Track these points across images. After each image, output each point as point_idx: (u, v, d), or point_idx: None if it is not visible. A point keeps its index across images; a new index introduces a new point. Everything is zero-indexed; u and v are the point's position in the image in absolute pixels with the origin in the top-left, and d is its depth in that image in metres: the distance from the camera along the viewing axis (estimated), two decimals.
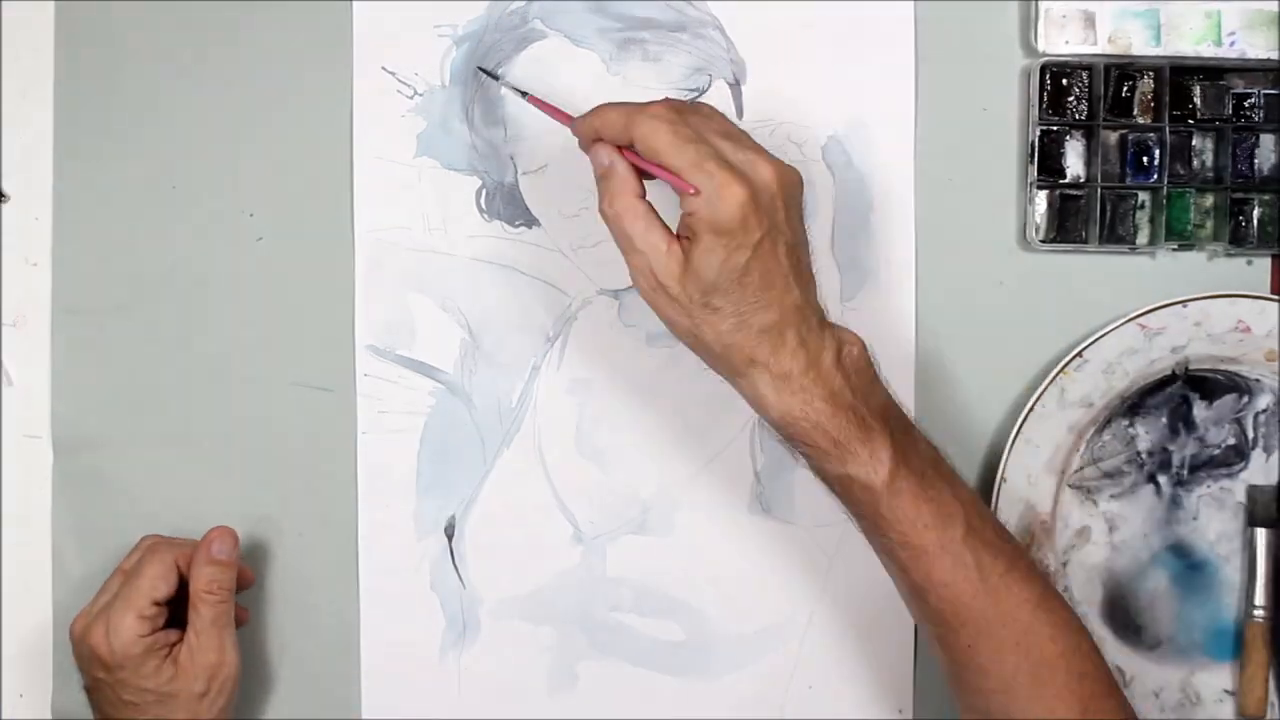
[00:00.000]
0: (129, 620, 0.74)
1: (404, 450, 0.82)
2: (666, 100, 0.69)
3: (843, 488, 0.70)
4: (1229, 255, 0.82)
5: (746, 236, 0.66)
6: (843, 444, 0.68)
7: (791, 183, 0.69)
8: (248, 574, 0.80)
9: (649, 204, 0.69)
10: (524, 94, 0.77)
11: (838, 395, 0.69)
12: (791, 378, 0.68)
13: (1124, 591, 0.83)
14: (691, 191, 0.66)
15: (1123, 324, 0.79)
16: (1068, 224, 0.82)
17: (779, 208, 0.68)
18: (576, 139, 0.72)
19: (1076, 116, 0.81)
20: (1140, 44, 0.81)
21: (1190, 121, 0.81)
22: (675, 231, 0.68)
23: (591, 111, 0.71)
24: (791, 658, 0.83)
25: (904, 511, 0.69)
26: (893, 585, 0.76)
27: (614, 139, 0.69)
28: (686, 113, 0.69)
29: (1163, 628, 0.83)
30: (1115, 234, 0.81)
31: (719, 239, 0.66)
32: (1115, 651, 0.82)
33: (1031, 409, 0.79)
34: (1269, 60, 0.81)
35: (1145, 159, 0.81)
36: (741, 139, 0.69)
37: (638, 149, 0.68)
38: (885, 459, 0.68)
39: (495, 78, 0.79)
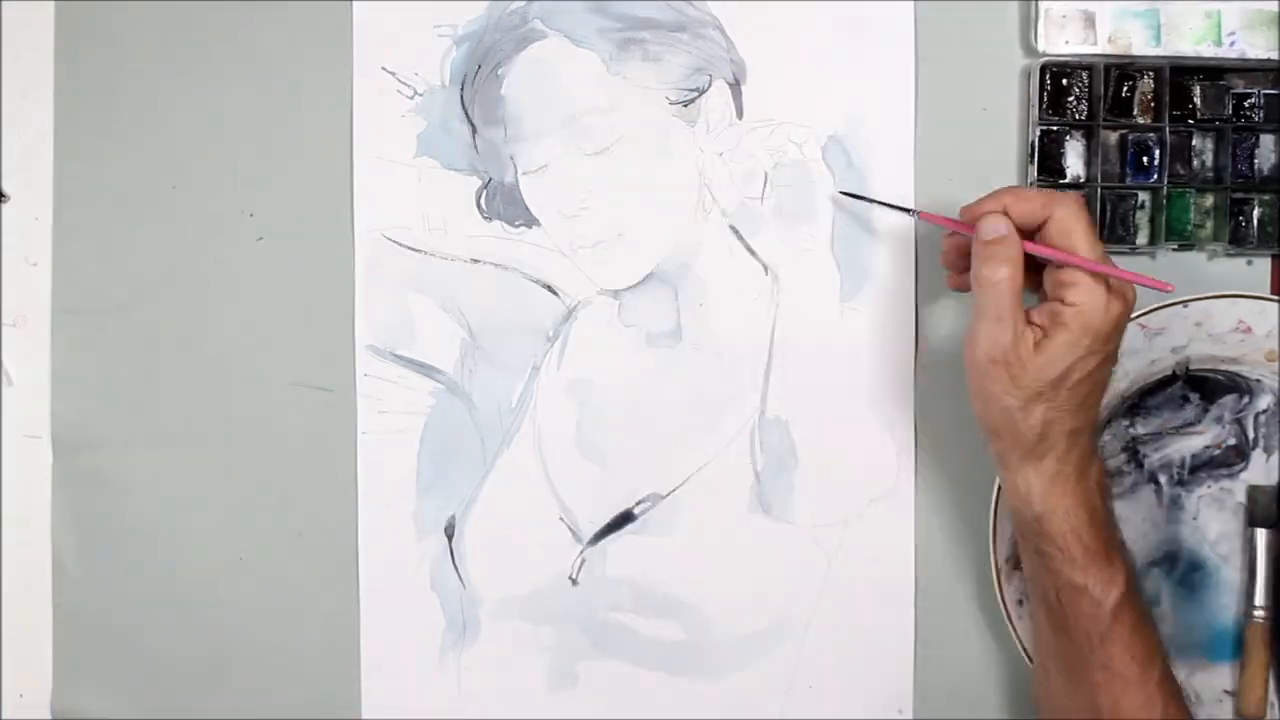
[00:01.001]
0: None
1: (404, 450, 0.82)
2: (1079, 195, 0.76)
3: (1070, 598, 0.72)
4: (1229, 255, 0.82)
5: (1106, 346, 0.70)
6: (1091, 554, 0.71)
7: (1131, 307, 0.72)
8: None
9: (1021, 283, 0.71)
10: (914, 212, 0.79)
11: (1096, 511, 0.72)
12: (1068, 480, 0.71)
13: None
14: (1170, 289, 0.71)
15: None
16: None
17: (1124, 329, 0.71)
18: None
19: (1076, 116, 0.81)
20: (1140, 44, 0.81)
21: (1190, 121, 0.81)
22: (1029, 318, 0.70)
23: (1000, 191, 0.73)
24: (791, 658, 0.83)
25: (1121, 637, 0.71)
26: (891, 586, 0.77)
27: (1023, 215, 0.71)
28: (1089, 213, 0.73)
29: (1163, 628, 0.83)
30: (1115, 234, 0.81)
31: (1085, 338, 0.69)
32: None
33: None
34: (1269, 60, 0.81)
35: (1145, 159, 0.81)
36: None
37: (1051, 228, 0.70)
38: (1120, 582, 0.71)
39: (897, 207, 0.80)
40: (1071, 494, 0.71)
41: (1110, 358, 0.71)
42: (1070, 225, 0.70)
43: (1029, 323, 0.70)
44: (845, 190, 0.80)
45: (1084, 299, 0.69)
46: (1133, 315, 0.78)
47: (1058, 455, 0.71)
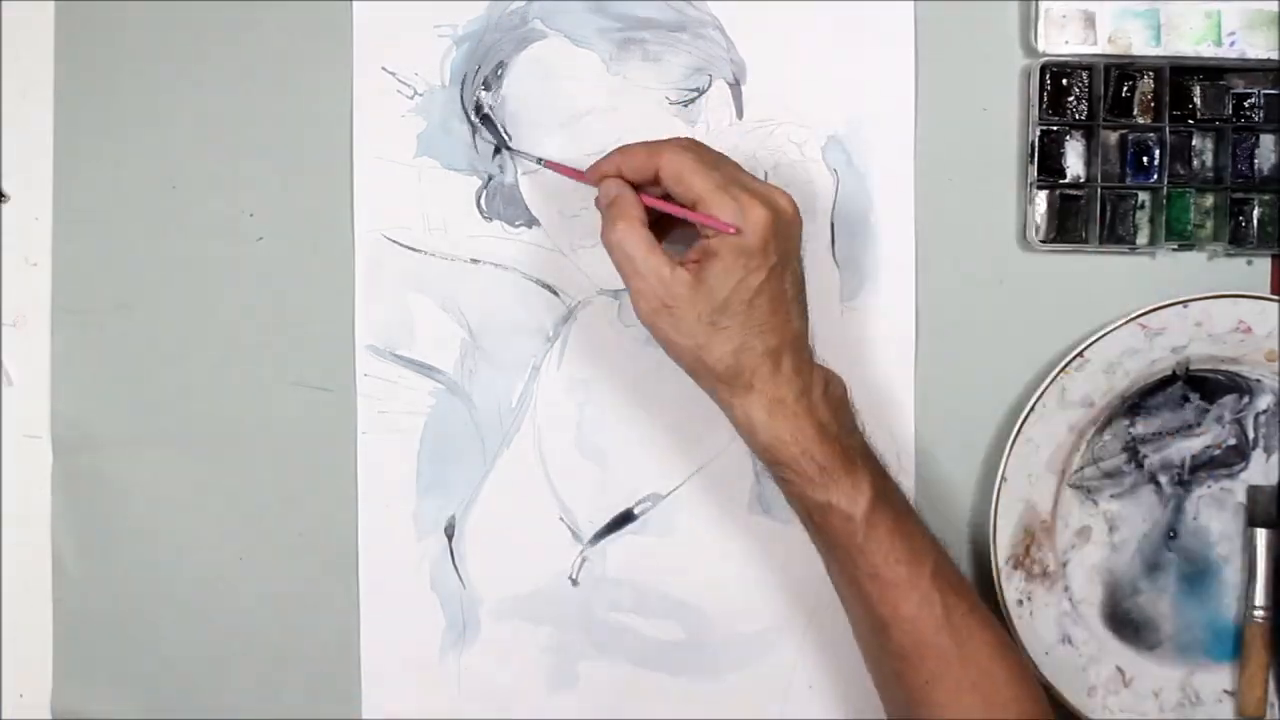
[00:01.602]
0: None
1: (404, 450, 0.82)
2: (687, 137, 0.74)
3: (821, 516, 0.72)
4: (1229, 255, 0.82)
5: (764, 259, 0.70)
6: (828, 471, 0.71)
7: (799, 218, 0.72)
8: None
9: (650, 232, 0.71)
10: (538, 160, 0.79)
11: (825, 426, 0.72)
12: (785, 403, 0.71)
13: (1124, 591, 0.83)
14: (732, 231, 0.69)
15: (1123, 324, 0.79)
16: (1068, 224, 0.82)
17: (792, 236, 0.72)
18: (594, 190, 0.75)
19: (1076, 116, 0.81)
20: (1140, 44, 0.81)
21: (1190, 121, 0.81)
22: (685, 257, 0.71)
23: (612, 152, 0.74)
24: (791, 658, 0.83)
25: (879, 544, 0.71)
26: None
27: (636, 172, 0.72)
28: (704, 148, 0.73)
29: (1163, 628, 0.83)
30: (1115, 234, 0.81)
31: (739, 259, 0.69)
32: (1115, 651, 0.82)
33: (1032, 408, 0.79)
34: (1269, 60, 0.81)
35: (1145, 159, 0.81)
36: (753, 176, 0.73)
37: (662, 176, 0.71)
38: (866, 490, 0.71)
39: (509, 150, 0.80)
40: (793, 416, 0.71)
41: (780, 267, 0.70)
42: (677, 168, 0.71)
43: (682, 262, 0.71)
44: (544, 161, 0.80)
45: (724, 219, 0.69)
46: (1132, 315, 0.79)
47: (764, 380, 0.71)
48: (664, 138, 0.73)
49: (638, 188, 0.73)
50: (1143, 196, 0.82)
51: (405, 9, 0.82)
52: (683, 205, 0.72)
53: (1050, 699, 0.80)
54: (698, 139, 0.74)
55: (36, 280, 0.83)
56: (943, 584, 0.72)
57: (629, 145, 0.74)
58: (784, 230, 0.71)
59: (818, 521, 0.72)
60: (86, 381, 0.83)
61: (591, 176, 0.75)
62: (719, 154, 0.73)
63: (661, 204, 0.72)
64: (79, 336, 0.83)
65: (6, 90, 0.82)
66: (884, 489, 0.72)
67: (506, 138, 0.82)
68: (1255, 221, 0.81)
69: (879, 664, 0.75)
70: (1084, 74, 0.81)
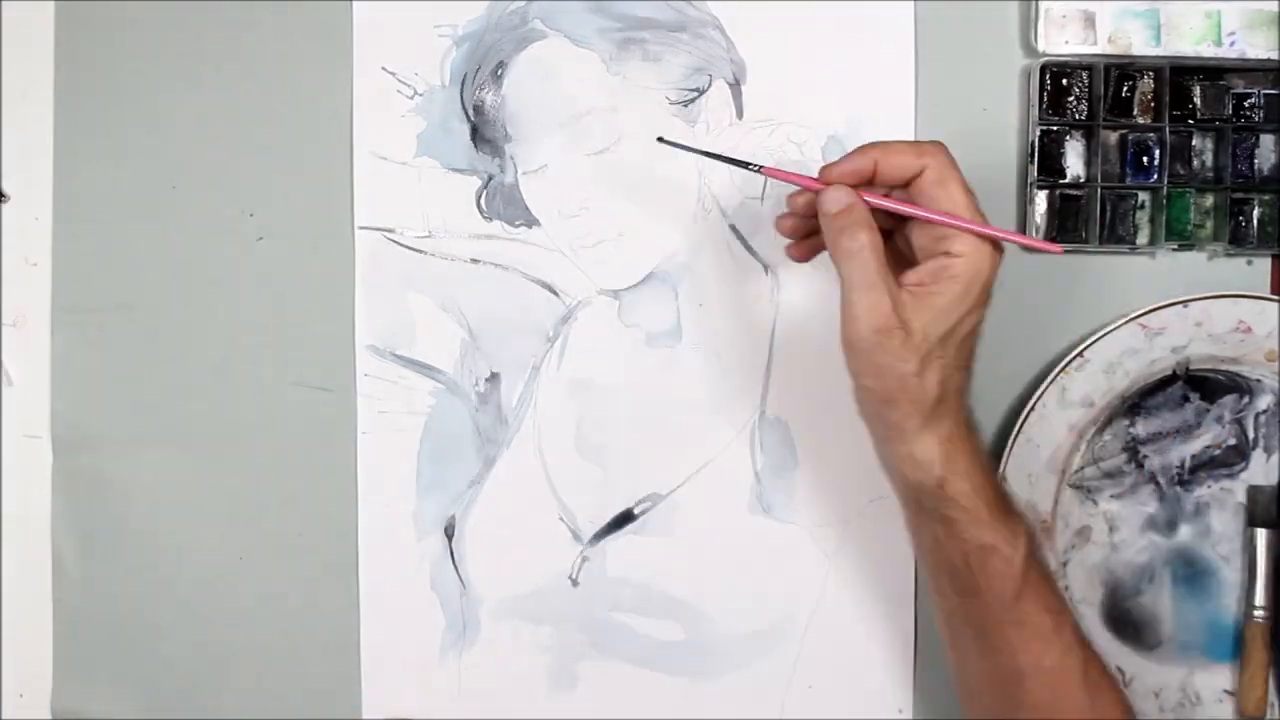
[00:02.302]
0: None
1: (404, 450, 0.82)
2: (941, 143, 0.69)
3: (980, 559, 0.69)
4: (1229, 255, 0.82)
5: (986, 297, 0.68)
6: (995, 512, 0.69)
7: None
8: None
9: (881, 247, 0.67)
10: (756, 168, 0.72)
11: (988, 468, 0.70)
12: (965, 440, 0.69)
13: (1124, 591, 0.83)
14: (1058, 251, 0.69)
15: (1123, 324, 0.79)
16: (1068, 224, 0.82)
17: (992, 283, 0.69)
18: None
19: (1076, 116, 0.81)
20: (1140, 44, 0.81)
21: (1190, 121, 0.81)
22: (905, 280, 0.67)
23: (855, 152, 0.69)
24: (791, 658, 0.83)
25: (1034, 591, 0.69)
26: (891, 586, 0.77)
27: (895, 169, 0.68)
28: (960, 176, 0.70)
29: (1163, 628, 0.83)
30: (1115, 234, 0.81)
31: (975, 288, 0.67)
32: (1115, 651, 0.82)
33: (1032, 408, 0.79)
34: (1269, 60, 0.81)
35: (1145, 159, 0.81)
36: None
37: (926, 180, 0.67)
38: (1024, 538, 0.69)
39: (745, 166, 0.72)
40: (968, 452, 0.69)
41: (983, 316, 0.68)
42: (944, 175, 0.67)
43: (903, 285, 0.67)
44: (665, 139, 0.74)
45: (969, 248, 0.66)
46: (1132, 315, 0.79)
47: (953, 414, 0.68)
48: (923, 142, 0.68)
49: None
50: (1143, 196, 0.82)
51: (405, 9, 0.82)
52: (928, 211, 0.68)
53: None
54: None
55: (36, 280, 0.83)
56: (1081, 640, 0.71)
57: (889, 142, 0.69)
58: (994, 279, 0.69)
59: (973, 564, 0.69)
60: (86, 381, 0.83)
61: (830, 174, 0.69)
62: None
63: (936, 217, 0.67)
64: (79, 336, 0.83)
65: (6, 90, 0.82)
66: (1035, 539, 0.71)
67: (507, 137, 0.82)
68: (1255, 221, 0.81)
69: (1003, 716, 0.72)
70: (1084, 74, 0.81)
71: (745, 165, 0.72)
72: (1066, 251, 0.82)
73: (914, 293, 0.67)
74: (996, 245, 0.67)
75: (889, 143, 0.69)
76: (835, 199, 0.68)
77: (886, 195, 0.68)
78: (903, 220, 0.69)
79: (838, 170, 0.68)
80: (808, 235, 0.73)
